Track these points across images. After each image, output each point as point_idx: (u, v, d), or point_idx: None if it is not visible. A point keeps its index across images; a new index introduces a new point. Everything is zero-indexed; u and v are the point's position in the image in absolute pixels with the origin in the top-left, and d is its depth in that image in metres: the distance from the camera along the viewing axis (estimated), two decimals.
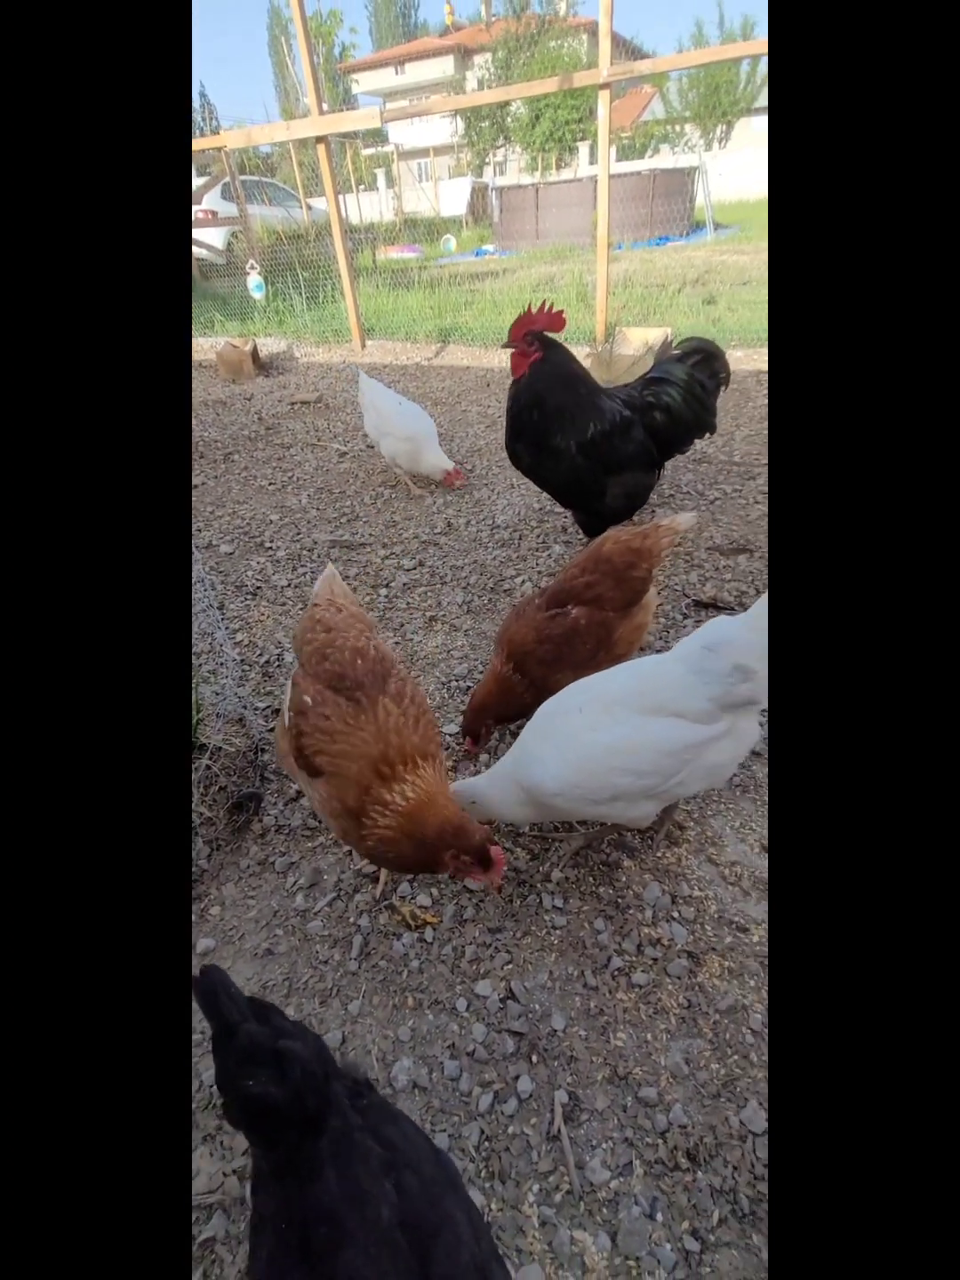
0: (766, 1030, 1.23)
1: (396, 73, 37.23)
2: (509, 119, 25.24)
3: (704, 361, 2.56)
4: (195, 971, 0.75)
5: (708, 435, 2.64)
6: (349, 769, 1.24)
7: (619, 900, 1.47)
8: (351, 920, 1.48)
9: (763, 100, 27.83)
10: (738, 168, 19.83)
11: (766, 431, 4.01)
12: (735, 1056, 1.19)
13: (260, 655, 2.41)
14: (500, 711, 1.75)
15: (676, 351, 2.60)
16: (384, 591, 2.75)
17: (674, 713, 1.32)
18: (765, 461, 3.58)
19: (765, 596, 1.26)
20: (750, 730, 1.37)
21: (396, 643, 2.43)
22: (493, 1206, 1.03)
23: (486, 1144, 1.10)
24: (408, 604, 2.66)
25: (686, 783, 1.36)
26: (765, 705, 1.34)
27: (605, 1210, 1.02)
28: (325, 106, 6.53)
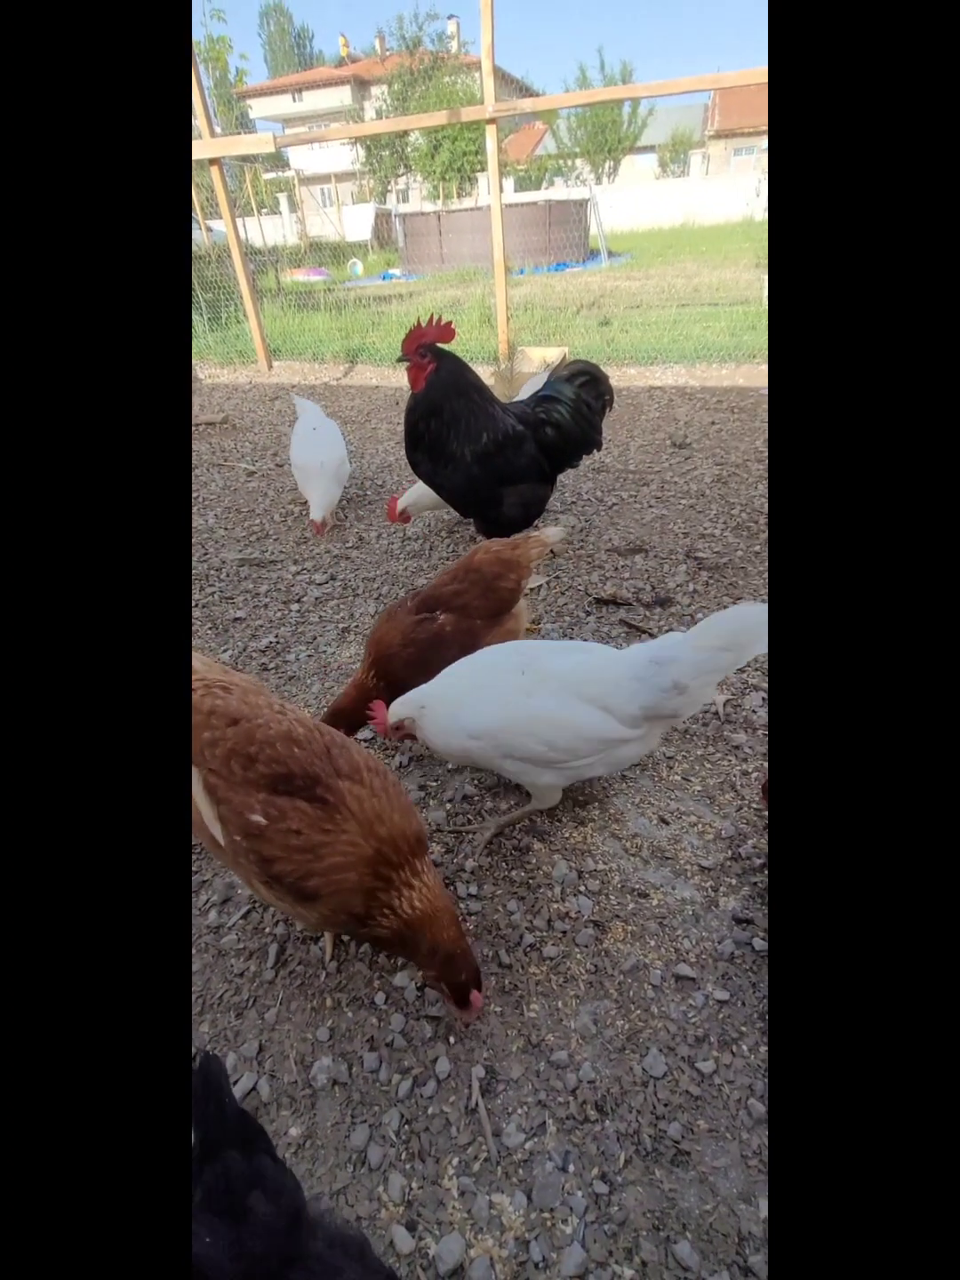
0: (768, 1018, 1.31)
1: (294, 100, 37.34)
2: (409, 149, 25.82)
3: (590, 383, 2.69)
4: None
5: (594, 452, 2.77)
6: (348, 880, 1.09)
7: (530, 881, 1.53)
8: (267, 930, 1.47)
9: (645, 139, 29.84)
10: (626, 201, 21.18)
11: (667, 444, 4.28)
12: (638, 1011, 1.27)
13: None
14: (353, 719, 1.77)
15: (564, 372, 2.73)
16: (296, 606, 2.74)
17: (604, 707, 1.42)
18: (657, 469, 3.83)
19: (710, 618, 1.39)
20: (656, 737, 1.52)
21: (309, 656, 2.42)
22: (413, 1186, 1.06)
23: (406, 1127, 1.12)
24: (320, 617, 2.66)
25: (592, 768, 1.49)
26: (685, 719, 1.48)
27: (521, 1171, 1.06)
28: (217, 129, 6.49)
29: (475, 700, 1.49)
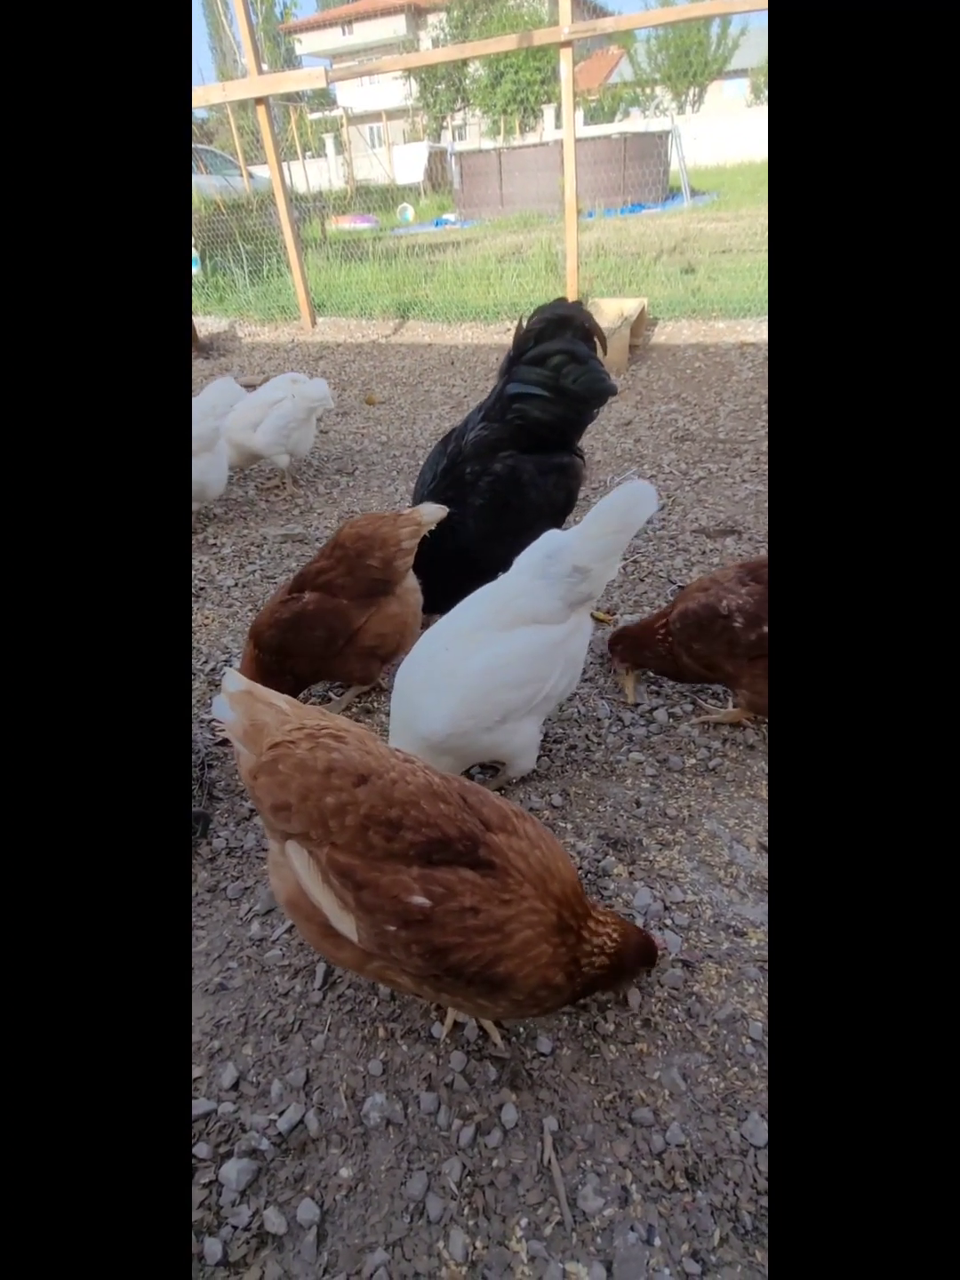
0: (767, 1037, 1.25)
1: (344, 33, 37.42)
2: (467, 81, 25.51)
3: (561, 353, 2.17)
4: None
5: (609, 400, 2.32)
6: (542, 954, 1.02)
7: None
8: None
9: (735, 63, 28.63)
10: (712, 132, 20.32)
11: (762, 408, 4.11)
12: (735, 1068, 1.21)
13: (205, 662, 2.38)
14: (272, 682, 1.89)
15: (532, 345, 2.20)
16: None
17: (531, 620, 1.57)
18: (751, 438, 3.67)
19: (596, 506, 1.53)
20: (587, 623, 1.68)
21: None
22: (478, 1245, 1.03)
23: (469, 1179, 1.10)
24: None
25: (558, 683, 1.58)
26: (599, 596, 1.62)
27: (599, 1239, 1.03)
28: (265, 67, 6.55)
29: (425, 703, 1.55)
